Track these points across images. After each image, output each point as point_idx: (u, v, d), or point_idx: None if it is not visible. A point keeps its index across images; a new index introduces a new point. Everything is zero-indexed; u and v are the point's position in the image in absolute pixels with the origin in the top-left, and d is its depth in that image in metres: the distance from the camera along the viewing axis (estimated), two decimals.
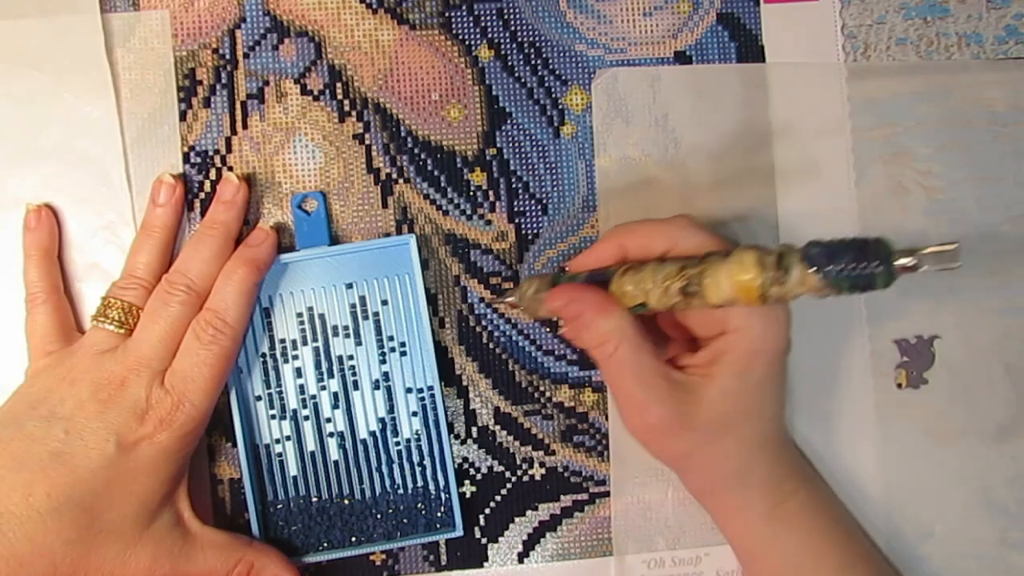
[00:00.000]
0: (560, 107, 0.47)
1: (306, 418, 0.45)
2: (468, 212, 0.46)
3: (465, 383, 0.46)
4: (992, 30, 0.48)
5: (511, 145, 0.46)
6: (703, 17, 0.47)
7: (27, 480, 0.38)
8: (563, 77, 0.47)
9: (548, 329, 0.47)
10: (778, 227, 0.47)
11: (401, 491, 0.46)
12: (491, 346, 0.46)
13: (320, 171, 0.46)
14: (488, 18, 0.46)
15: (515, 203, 0.47)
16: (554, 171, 0.47)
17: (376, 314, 0.45)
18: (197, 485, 0.44)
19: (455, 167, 0.46)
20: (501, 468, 0.46)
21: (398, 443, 0.45)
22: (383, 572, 0.46)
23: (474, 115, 0.46)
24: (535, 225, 0.47)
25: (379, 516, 0.45)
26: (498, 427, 0.46)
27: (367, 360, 0.45)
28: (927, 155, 0.47)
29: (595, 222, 0.47)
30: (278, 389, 0.45)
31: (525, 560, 0.46)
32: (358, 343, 0.45)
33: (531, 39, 0.47)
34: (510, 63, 0.46)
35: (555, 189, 0.47)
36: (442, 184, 0.46)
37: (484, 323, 0.46)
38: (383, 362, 0.45)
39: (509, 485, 0.46)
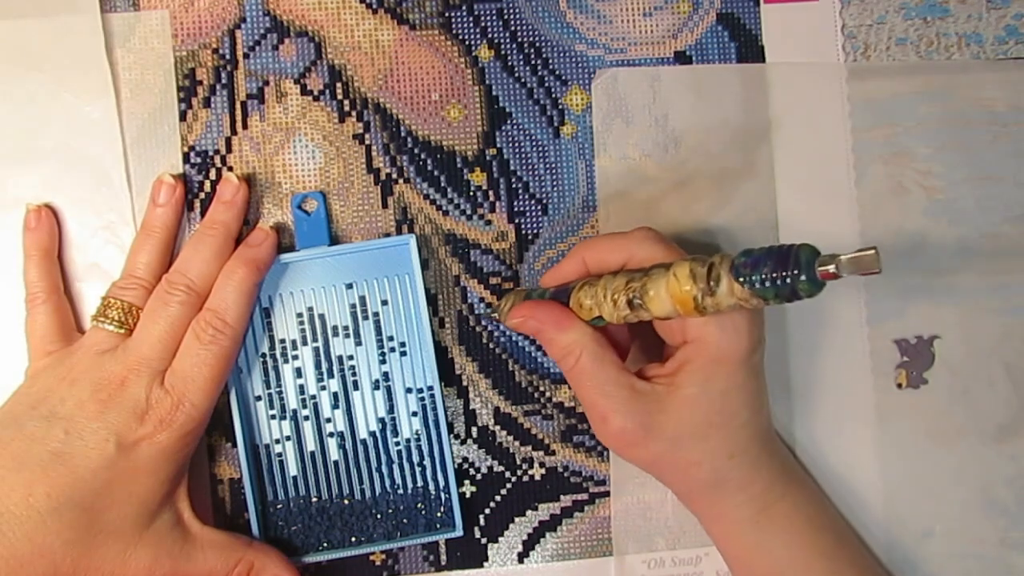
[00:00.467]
0: (560, 107, 0.47)
1: (306, 418, 0.45)
2: (468, 212, 0.46)
3: (465, 383, 0.46)
4: (992, 30, 0.48)
5: (511, 145, 0.46)
6: (703, 17, 0.47)
7: (27, 480, 0.38)
8: (563, 77, 0.47)
9: None
10: (778, 227, 0.47)
11: (401, 491, 0.46)
12: (491, 346, 0.46)
13: (320, 171, 0.46)
14: (488, 18, 0.46)
15: (515, 203, 0.47)
16: (554, 171, 0.47)
17: (376, 314, 0.45)
18: (197, 485, 0.44)
19: (455, 167, 0.46)
20: (501, 468, 0.46)
21: (398, 443, 0.46)
22: (383, 572, 0.46)
23: (474, 115, 0.46)
24: (535, 225, 0.47)
25: (379, 516, 0.45)
26: (498, 427, 0.46)
27: (367, 360, 0.45)
28: (927, 155, 0.47)
29: (595, 222, 0.47)
30: (278, 389, 0.45)
31: (525, 560, 0.46)
32: (358, 343, 0.45)
33: (531, 39, 0.47)
34: (510, 63, 0.46)
35: (555, 189, 0.47)
36: (442, 184, 0.46)
37: (484, 323, 0.46)
38: (383, 362, 0.45)
39: (509, 485, 0.46)
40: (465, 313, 0.46)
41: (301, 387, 0.45)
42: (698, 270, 0.36)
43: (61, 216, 0.45)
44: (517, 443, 0.46)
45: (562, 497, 0.47)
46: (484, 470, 0.46)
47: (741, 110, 0.47)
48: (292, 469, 0.45)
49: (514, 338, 0.47)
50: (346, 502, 0.45)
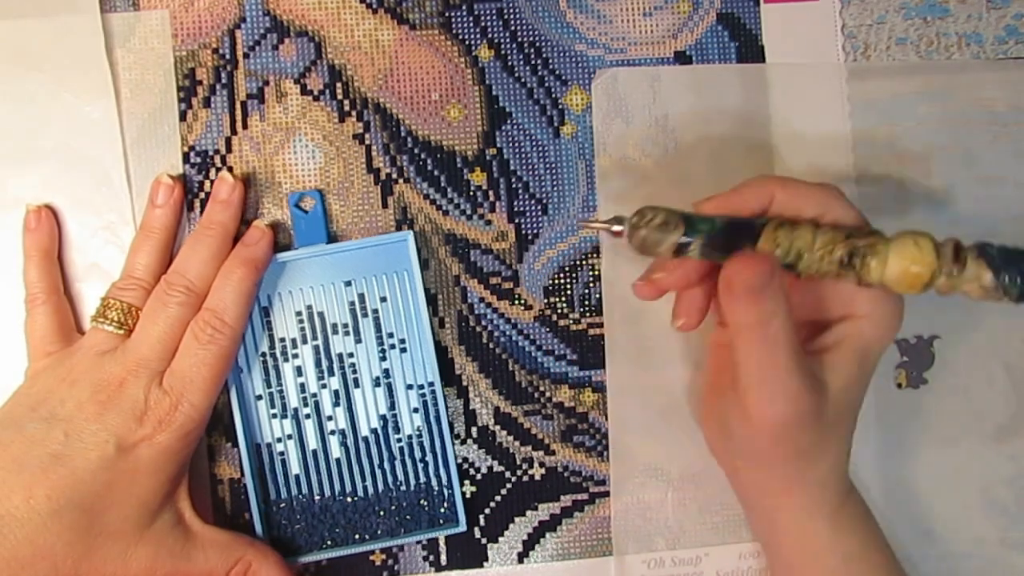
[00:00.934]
0: (560, 107, 0.47)
1: (307, 416, 0.45)
2: (468, 212, 0.46)
3: (465, 383, 0.46)
4: (992, 30, 0.48)
5: (511, 145, 0.46)
6: (703, 17, 0.47)
7: (27, 482, 0.38)
8: (563, 77, 0.47)
9: (548, 329, 0.47)
10: None
11: (404, 488, 0.46)
12: (491, 346, 0.46)
13: (320, 171, 0.46)
14: (488, 18, 0.46)
15: (515, 203, 0.47)
16: (554, 171, 0.47)
17: (375, 311, 0.45)
18: (197, 485, 0.44)
19: (455, 167, 0.46)
20: (501, 468, 0.46)
21: (400, 440, 0.46)
22: (383, 572, 0.46)
23: (474, 115, 0.46)
24: (535, 225, 0.47)
25: (382, 513, 0.45)
26: (498, 427, 0.46)
27: (367, 357, 0.45)
28: (927, 155, 0.47)
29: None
30: (278, 388, 0.45)
31: (525, 560, 0.46)
32: (358, 340, 0.45)
33: (531, 39, 0.47)
34: (510, 63, 0.46)
35: (555, 189, 0.47)
36: (442, 184, 0.46)
37: (484, 323, 0.46)
38: (383, 359, 0.45)
39: (509, 485, 0.46)
40: (465, 313, 0.46)
41: (302, 385, 0.45)
42: (944, 248, 0.35)
43: (61, 216, 0.45)
44: (517, 443, 0.46)
45: (562, 497, 0.47)
46: (484, 470, 0.46)
47: (741, 110, 0.47)
48: (294, 468, 0.45)
49: (514, 338, 0.47)
50: (349, 500, 0.45)
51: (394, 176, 0.46)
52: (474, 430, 0.46)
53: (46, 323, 0.42)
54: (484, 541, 0.46)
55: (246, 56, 0.46)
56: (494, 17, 0.46)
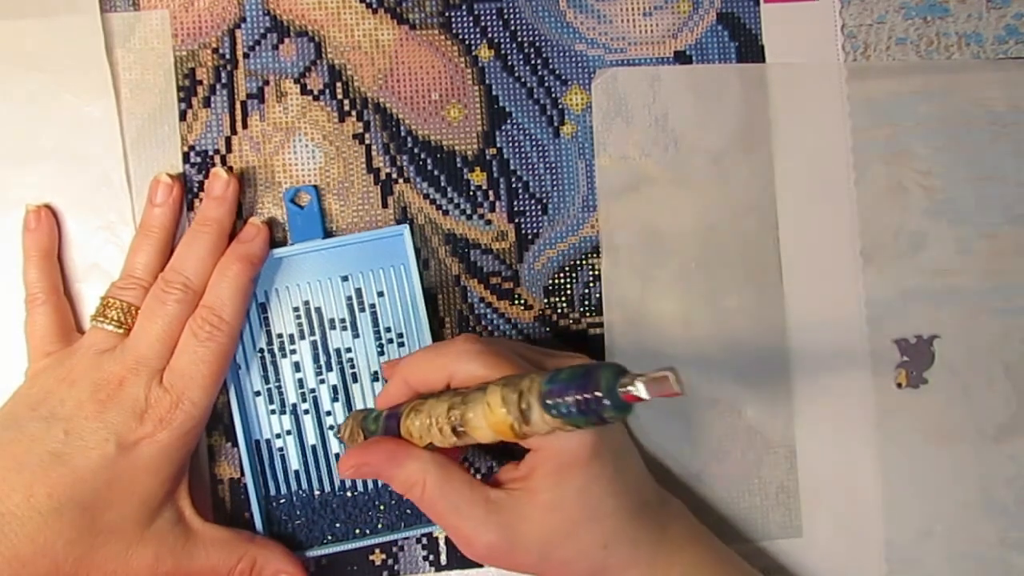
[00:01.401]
0: (560, 107, 0.47)
1: (306, 412, 0.45)
2: (468, 212, 0.46)
3: None
4: (992, 30, 0.48)
5: (511, 145, 0.46)
6: (703, 17, 0.47)
7: (28, 481, 0.38)
8: (563, 77, 0.47)
9: (548, 329, 0.47)
10: (778, 227, 0.47)
11: None
12: None
13: (320, 171, 0.46)
14: (488, 18, 0.46)
15: (515, 203, 0.47)
16: (554, 171, 0.47)
17: (372, 306, 0.45)
18: (197, 485, 0.44)
19: (455, 167, 0.46)
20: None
21: None
22: (383, 572, 0.46)
23: (474, 115, 0.46)
24: (535, 225, 0.47)
25: (382, 508, 0.45)
26: None
27: (365, 352, 0.45)
28: (927, 155, 0.47)
29: (595, 222, 0.47)
30: (277, 384, 0.45)
31: None
32: (355, 335, 0.45)
33: (531, 39, 0.47)
34: (510, 63, 0.46)
35: (555, 189, 0.47)
36: (442, 184, 0.46)
37: (484, 323, 0.46)
38: (381, 354, 0.45)
39: None
40: (465, 313, 0.46)
41: (300, 381, 0.45)
42: (510, 396, 0.34)
43: (61, 216, 0.45)
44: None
45: None
46: (484, 470, 0.46)
47: (741, 110, 0.47)
48: (294, 463, 0.45)
49: (514, 338, 0.47)
50: (349, 495, 0.45)
51: (394, 176, 0.46)
52: None
53: (46, 323, 0.42)
54: None
55: (246, 56, 0.46)
56: (494, 17, 0.46)
